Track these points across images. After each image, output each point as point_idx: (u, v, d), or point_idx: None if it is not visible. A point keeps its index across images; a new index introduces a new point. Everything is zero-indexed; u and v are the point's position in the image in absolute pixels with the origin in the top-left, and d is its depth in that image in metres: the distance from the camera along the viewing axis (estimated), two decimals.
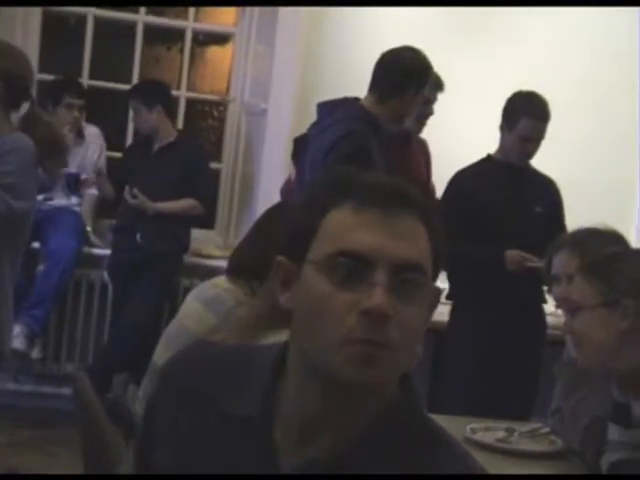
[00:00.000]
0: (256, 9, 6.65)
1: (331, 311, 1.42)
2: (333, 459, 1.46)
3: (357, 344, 1.40)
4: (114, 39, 6.87)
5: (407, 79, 4.56)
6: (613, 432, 2.70)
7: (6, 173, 3.69)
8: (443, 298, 5.11)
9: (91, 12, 6.68)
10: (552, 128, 4.95)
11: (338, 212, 1.46)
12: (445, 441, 1.55)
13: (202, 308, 2.93)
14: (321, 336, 1.43)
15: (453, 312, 5.05)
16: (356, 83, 4.84)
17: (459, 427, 3.16)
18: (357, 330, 1.39)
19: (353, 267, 1.42)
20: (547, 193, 5.06)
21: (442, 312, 5.12)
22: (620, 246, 3.28)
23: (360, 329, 1.39)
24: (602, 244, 3.22)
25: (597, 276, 2.84)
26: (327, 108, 4.69)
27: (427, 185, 5.34)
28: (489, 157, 5.05)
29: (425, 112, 5.21)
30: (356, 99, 4.62)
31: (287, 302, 1.51)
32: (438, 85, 5.23)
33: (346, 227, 1.45)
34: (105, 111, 6.66)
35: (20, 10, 6.24)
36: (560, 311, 3.48)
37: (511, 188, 4.94)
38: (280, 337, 2.21)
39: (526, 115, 4.88)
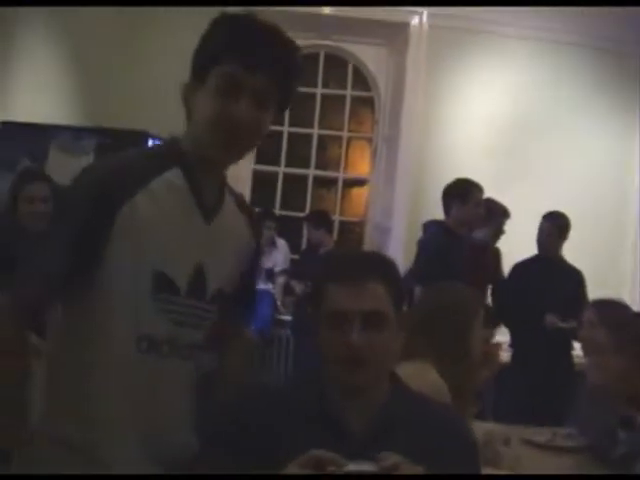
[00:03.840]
0: (382, 166, 6.74)
1: (332, 345, 1.51)
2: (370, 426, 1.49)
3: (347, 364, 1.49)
4: (296, 186, 7.00)
5: (450, 196, 4.51)
6: (622, 435, 2.64)
7: None
8: (506, 345, 5.05)
9: (281, 170, 6.86)
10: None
11: (330, 286, 1.53)
12: (431, 401, 1.64)
13: None
14: (328, 358, 1.52)
15: (512, 354, 4.97)
16: None
17: (519, 432, 3.12)
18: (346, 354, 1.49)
19: (342, 319, 1.50)
20: (573, 279, 4.94)
21: (505, 356, 5.06)
22: (627, 311, 3.23)
23: (347, 354, 1.48)
24: (617, 309, 3.18)
25: (609, 330, 2.81)
26: (426, 226, 4.73)
27: (497, 278, 5.10)
28: (537, 255, 4.98)
29: (498, 229, 5.02)
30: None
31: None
32: (505, 214, 5.05)
33: (334, 297, 1.52)
34: (289, 229, 6.77)
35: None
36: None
37: (548, 274, 4.87)
38: (414, 365, 2.23)
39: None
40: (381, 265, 1.60)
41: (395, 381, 1.60)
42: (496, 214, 4.93)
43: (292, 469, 1.29)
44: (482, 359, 2.72)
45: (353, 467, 1.26)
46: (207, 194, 1.57)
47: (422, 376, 2.24)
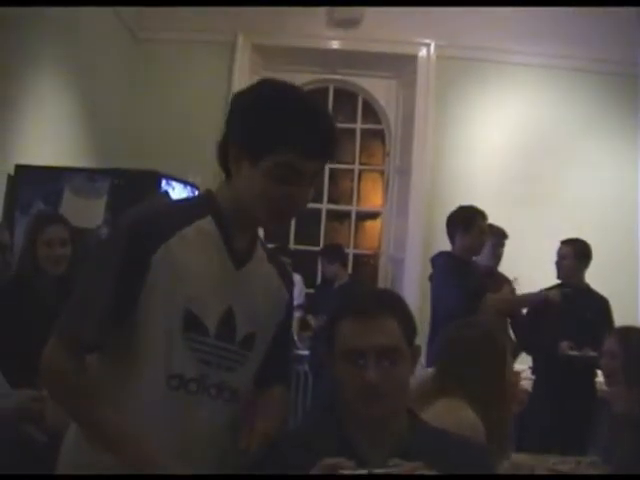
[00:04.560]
0: (394, 198, 6.74)
1: (349, 380, 1.54)
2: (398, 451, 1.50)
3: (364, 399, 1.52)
4: (309, 220, 6.99)
5: (453, 225, 4.51)
6: None
7: None
8: (529, 372, 4.99)
9: None
10: None
11: (343, 322, 1.58)
12: (450, 433, 1.66)
13: None
14: (345, 394, 1.56)
15: (535, 382, 4.91)
16: None
17: (543, 461, 3.08)
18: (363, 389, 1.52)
19: (357, 356, 1.53)
20: (597, 306, 4.85)
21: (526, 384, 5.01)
22: None
23: (364, 389, 1.52)
24: (636, 339, 3.14)
25: (627, 360, 2.78)
26: (434, 260, 4.72)
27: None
28: (561, 283, 4.92)
29: (497, 251, 5.00)
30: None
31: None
32: (504, 236, 5.04)
33: (348, 333, 1.56)
34: (303, 264, 6.76)
35: None
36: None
37: (571, 301, 4.78)
38: (449, 403, 2.20)
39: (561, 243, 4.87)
40: (392, 300, 1.64)
41: (413, 416, 1.62)
42: (495, 236, 4.90)
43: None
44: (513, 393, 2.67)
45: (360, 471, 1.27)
46: (238, 242, 1.63)
47: (457, 414, 2.21)
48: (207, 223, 1.60)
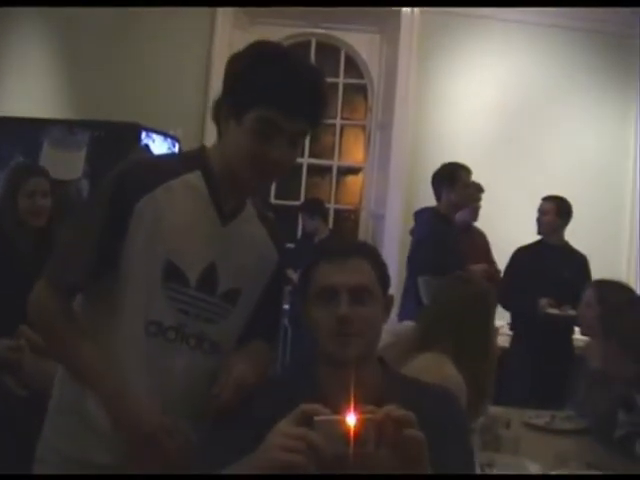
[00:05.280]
0: (376, 154, 6.73)
1: (322, 318, 1.56)
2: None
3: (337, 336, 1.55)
4: (290, 174, 6.93)
5: (438, 181, 4.52)
6: (621, 416, 2.65)
7: None
8: (507, 329, 5.05)
9: None
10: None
11: (318, 266, 1.60)
12: (421, 382, 1.70)
13: None
14: (319, 333, 1.58)
15: (512, 338, 4.98)
16: None
17: (519, 415, 3.13)
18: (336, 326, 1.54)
19: (330, 294, 1.56)
20: (576, 263, 4.93)
21: (503, 340, 5.07)
22: (626, 295, 3.22)
23: (337, 327, 1.54)
24: (615, 292, 3.18)
25: (604, 312, 2.82)
26: (417, 214, 4.74)
27: (488, 263, 5.11)
28: (540, 240, 4.98)
29: (475, 205, 5.08)
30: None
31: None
32: (479, 189, 5.09)
33: (322, 274, 1.59)
34: (284, 218, 6.75)
35: None
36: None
37: (549, 258, 4.86)
38: (431, 357, 2.22)
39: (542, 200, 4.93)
40: (366, 247, 1.70)
41: (384, 365, 1.64)
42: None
43: (282, 426, 1.29)
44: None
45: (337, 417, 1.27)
46: (226, 200, 1.67)
47: (438, 368, 2.24)
48: (195, 177, 1.64)
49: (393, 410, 1.28)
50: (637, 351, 2.58)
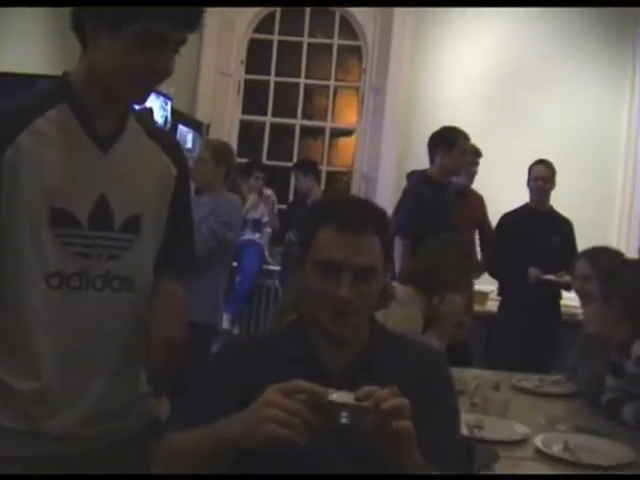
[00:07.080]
0: (369, 116, 6.68)
1: (320, 292, 1.49)
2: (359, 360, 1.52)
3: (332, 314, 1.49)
4: (283, 136, 6.95)
5: (435, 144, 4.47)
6: (610, 381, 2.65)
7: (224, 214, 3.92)
8: (495, 294, 5.06)
9: (268, 120, 6.81)
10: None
11: (324, 231, 1.50)
12: (410, 340, 1.67)
13: None
14: (313, 304, 1.52)
15: (501, 304, 4.99)
16: None
17: (508, 378, 3.13)
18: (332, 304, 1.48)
19: (333, 269, 1.48)
20: (563, 229, 4.94)
21: (494, 305, 5.09)
22: (618, 259, 3.21)
23: (333, 304, 1.47)
24: (608, 258, 3.17)
25: (602, 280, 2.81)
26: (409, 176, 4.71)
27: (484, 226, 5.16)
28: (525, 205, 4.98)
29: (470, 170, 5.02)
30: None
31: (299, 285, 1.58)
32: (477, 154, 5.07)
33: (328, 244, 1.49)
34: (276, 179, 6.73)
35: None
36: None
37: (536, 224, 4.86)
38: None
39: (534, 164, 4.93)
40: (376, 216, 1.56)
41: (373, 324, 1.61)
42: (469, 154, 4.88)
43: (271, 394, 1.27)
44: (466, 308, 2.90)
45: (333, 397, 1.26)
46: (101, 124, 1.54)
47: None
48: (60, 111, 1.51)
49: (389, 395, 1.27)
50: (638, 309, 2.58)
